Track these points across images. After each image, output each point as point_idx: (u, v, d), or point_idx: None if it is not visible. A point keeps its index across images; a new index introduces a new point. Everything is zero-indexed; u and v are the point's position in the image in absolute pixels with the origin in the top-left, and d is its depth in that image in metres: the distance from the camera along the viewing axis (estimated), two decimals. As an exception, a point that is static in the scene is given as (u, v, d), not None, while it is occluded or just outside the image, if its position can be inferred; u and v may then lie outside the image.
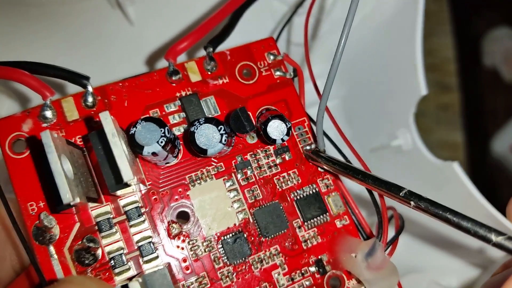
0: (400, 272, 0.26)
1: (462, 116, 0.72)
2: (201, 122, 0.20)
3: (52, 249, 0.19)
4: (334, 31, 0.19)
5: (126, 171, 0.17)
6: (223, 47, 0.22)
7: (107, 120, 0.17)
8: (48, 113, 0.19)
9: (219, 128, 0.19)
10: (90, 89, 0.20)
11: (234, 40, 0.23)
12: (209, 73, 0.22)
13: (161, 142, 0.18)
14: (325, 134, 0.23)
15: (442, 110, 0.75)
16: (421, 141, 0.27)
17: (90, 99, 0.20)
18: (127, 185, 0.18)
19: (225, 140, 0.20)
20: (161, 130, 0.19)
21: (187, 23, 0.26)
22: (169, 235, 0.20)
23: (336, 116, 0.29)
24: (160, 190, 0.20)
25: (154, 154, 0.19)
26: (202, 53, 0.22)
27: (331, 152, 0.23)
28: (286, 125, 0.20)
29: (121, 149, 0.17)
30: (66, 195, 0.17)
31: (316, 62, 0.28)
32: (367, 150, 0.30)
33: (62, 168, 0.16)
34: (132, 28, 0.25)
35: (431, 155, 0.27)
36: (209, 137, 0.20)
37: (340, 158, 0.21)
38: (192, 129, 0.20)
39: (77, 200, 0.17)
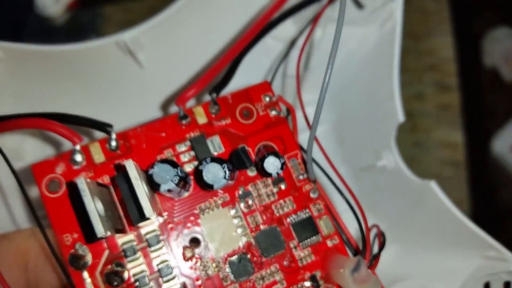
0: (391, 280, 0.31)
1: (462, 116, 0.75)
2: (208, 162, 0.24)
3: (85, 273, 0.23)
4: (323, 63, 0.23)
5: (148, 208, 0.22)
6: (225, 91, 0.27)
7: (131, 167, 0.22)
8: (78, 157, 0.24)
9: (223, 166, 0.24)
10: (113, 135, 0.25)
11: (234, 79, 0.27)
12: (214, 115, 0.26)
13: (175, 180, 0.23)
14: (315, 161, 0.27)
15: (442, 110, 0.79)
16: (402, 162, 0.32)
17: (113, 143, 0.25)
18: (148, 218, 0.23)
19: (228, 176, 0.24)
20: (175, 170, 0.23)
21: (193, 64, 0.31)
22: (184, 258, 0.24)
23: (328, 139, 0.34)
24: (175, 219, 0.25)
25: (169, 190, 0.24)
26: (207, 97, 0.26)
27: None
28: (280, 161, 0.25)
29: (143, 190, 0.22)
30: (99, 230, 0.21)
31: (308, 92, 0.33)
32: (357, 169, 0.35)
33: (96, 209, 0.21)
34: (143, 72, 0.30)
35: (412, 175, 0.32)
36: (215, 174, 0.24)
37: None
38: (200, 167, 0.24)
39: (108, 233, 0.22)
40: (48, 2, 0.81)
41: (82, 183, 0.21)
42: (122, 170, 0.23)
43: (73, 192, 0.22)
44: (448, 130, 0.77)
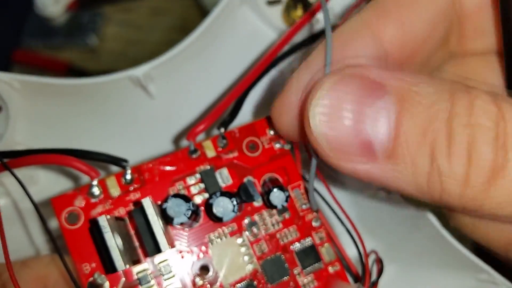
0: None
1: None
2: (217, 196, 0.27)
3: (103, 300, 0.26)
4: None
5: (163, 244, 0.24)
6: (232, 125, 0.29)
7: (148, 205, 0.24)
8: (96, 191, 0.26)
9: (231, 200, 0.27)
10: (128, 170, 0.27)
11: (240, 112, 0.30)
12: (222, 149, 0.29)
13: (187, 214, 0.26)
14: (316, 190, 0.30)
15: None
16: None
17: (128, 177, 0.27)
18: (161, 251, 0.25)
19: (236, 209, 0.27)
20: (187, 205, 0.26)
21: (203, 97, 0.33)
22: (193, 285, 0.27)
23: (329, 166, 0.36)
24: (186, 248, 0.27)
25: (181, 224, 0.26)
26: (215, 131, 0.29)
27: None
28: (285, 194, 0.27)
29: (159, 226, 0.25)
30: (119, 264, 0.24)
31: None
32: (357, 195, 0.38)
33: (116, 244, 0.24)
34: (154, 103, 0.32)
35: (409, 204, 0.34)
36: (224, 207, 0.27)
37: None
38: (210, 201, 0.27)
39: (127, 266, 0.24)
40: (48, 2, 0.83)
41: (103, 220, 0.24)
42: (139, 205, 0.25)
43: (95, 228, 0.25)
44: None
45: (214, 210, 0.26)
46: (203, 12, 0.86)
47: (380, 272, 0.28)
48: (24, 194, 0.25)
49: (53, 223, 0.27)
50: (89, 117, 0.33)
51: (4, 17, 0.83)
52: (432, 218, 0.32)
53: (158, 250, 0.24)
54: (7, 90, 0.31)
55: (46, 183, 0.33)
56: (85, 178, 0.29)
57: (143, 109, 0.32)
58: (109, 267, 0.24)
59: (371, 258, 0.29)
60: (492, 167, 0.19)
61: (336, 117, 0.21)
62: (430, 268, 0.35)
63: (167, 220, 0.25)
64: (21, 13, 0.86)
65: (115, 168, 0.27)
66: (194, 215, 0.26)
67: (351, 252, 0.30)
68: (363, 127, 0.21)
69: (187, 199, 0.25)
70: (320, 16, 0.32)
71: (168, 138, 0.34)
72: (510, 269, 0.32)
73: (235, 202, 0.26)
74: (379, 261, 0.29)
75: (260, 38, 0.34)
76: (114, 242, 0.23)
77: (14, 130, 0.32)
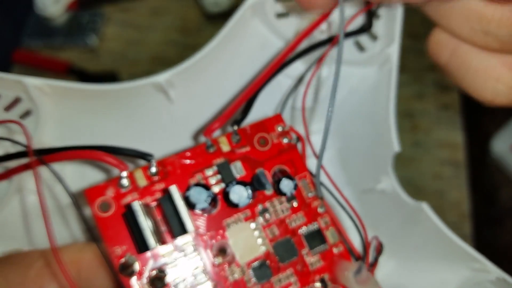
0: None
1: (462, 116, 0.81)
2: (233, 184, 0.32)
3: (133, 278, 0.31)
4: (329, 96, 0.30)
5: (189, 224, 0.30)
6: (244, 123, 0.34)
7: (174, 191, 0.30)
8: (125, 182, 0.31)
9: (246, 188, 0.32)
10: (154, 163, 0.32)
11: (251, 112, 0.35)
12: (235, 144, 0.34)
13: (208, 201, 0.31)
14: (322, 183, 0.35)
15: (442, 110, 0.86)
16: (399, 185, 0.40)
17: (153, 170, 0.32)
18: (186, 232, 0.30)
19: (250, 196, 0.32)
20: (207, 192, 0.31)
21: (217, 99, 0.38)
22: (213, 264, 0.32)
23: (333, 163, 0.41)
24: (206, 232, 0.32)
25: (202, 209, 0.31)
26: (229, 128, 0.34)
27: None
28: (293, 182, 0.33)
29: (184, 209, 0.30)
30: (151, 242, 0.29)
31: (317, 121, 0.41)
32: (360, 191, 0.43)
33: (148, 226, 0.29)
34: (173, 105, 0.37)
35: (407, 197, 0.39)
36: (239, 194, 0.32)
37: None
38: (227, 189, 0.32)
39: (157, 245, 0.29)
40: (48, 2, 0.87)
41: (137, 205, 0.29)
42: (166, 192, 0.30)
43: (129, 212, 0.30)
44: (448, 130, 0.83)
45: (231, 197, 0.31)
46: (203, 12, 0.91)
47: (379, 252, 0.33)
48: (50, 192, 0.30)
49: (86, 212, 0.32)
50: (113, 119, 0.38)
51: (4, 17, 0.87)
52: (428, 210, 0.37)
53: (184, 230, 0.29)
54: (38, 94, 0.36)
55: (72, 178, 0.37)
56: (104, 173, 0.34)
57: (163, 111, 0.38)
58: (141, 246, 0.29)
59: (373, 244, 0.34)
60: None
61: None
62: (428, 260, 0.40)
63: (189, 206, 0.30)
64: (21, 13, 0.90)
65: (141, 162, 0.32)
66: (213, 202, 0.31)
67: (355, 242, 0.35)
68: None
69: (207, 187, 0.30)
70: (323, 26, 0.37)
71: (187, 135, 0.39)
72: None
73: (249, 190, 0.31)
74: (379, 244, 0.33)
75: (269, 47, 0.39)
76: (146, 224, 0.28)
77: (43, 132, 0.37)
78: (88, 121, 0.38)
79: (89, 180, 0.36)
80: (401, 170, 0.74)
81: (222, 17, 0.90)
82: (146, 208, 0.31)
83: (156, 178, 0.32)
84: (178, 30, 0.93)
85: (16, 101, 0.37)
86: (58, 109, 0.37)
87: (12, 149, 0.37)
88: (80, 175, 0.37)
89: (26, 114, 0.38)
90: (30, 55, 0.87)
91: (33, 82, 0.35)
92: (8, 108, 0.37)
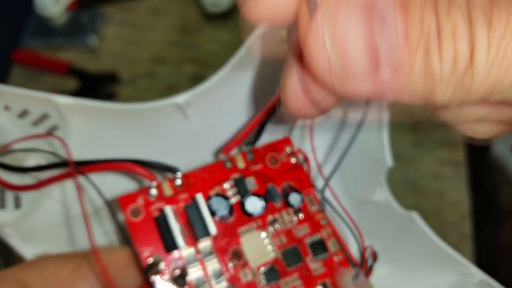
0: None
1: None
2: (248, 195, 0.41)
3: (158, 277, 0.40)
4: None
5: (212, 228, 0.38)
6: (257, 144, 0.43)
7: (200, 199, 0.39)
8: (153, 191, 0.40)
9: (260, 199, 0.41)
10: (179, 175, 0.41)
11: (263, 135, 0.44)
12: (249, 161, 0.43)
13: (226, 209, 0.40)
14: (325, 198, 0.44)
15: (442, 110, 0.94)
16: (391, 197, 0.49)
17: (179, 182, 0.41)
18: (210, 234, 0.39)
19: (263, 207, 0.41)
20: (226, 202, 0.40)
21: (229, 120, 0.47)
22: (227, 266, 0.41)
23: (332, 176, 0.51)
24: (223, 238, 0.41)
25: (221, 217, 0.40)
26: (244, 147, 0.43)
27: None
28: (300, 196, 0.42)
29: (208, 214, 0.39)
30: (180, 241, 0.38)
31: (320, 137, 0.50)
32: (356, 202, 0.52)
33: (178, 228, 0.38)
34: (189, 124, 0.46)
35: (399, 208, 0.48)
36: (254, 205, 0.41)
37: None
38: (243, 200, 0.41)
39: (184, 245, 0.39)
40: (48, 2, 0.95)
41: (168, 209, 0.38)
42: (192, 200, 0.39)
43: (161, 215, 0.39)
44: (448, 130, 0.91)
45: (247, 207, 0.40)
46: (203, 12, 0.99)
47: (374, 259, 0.42)
48: (76, 200, 0.39)
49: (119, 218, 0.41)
50: (133, 135, 0.46)
51: (4, 17, 0.95)
52: (418, 219, 0.46)
53: (207, 233, 0.38)
54: (67, 111, 0.44)
55: (108, 186, 0.46)
56: (135, 182, 0.43)
57: (181, 129, 0.46)
58: (170, 246, 0.38)
59: (368, 252, 0.43)
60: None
61: (345, 33, 0.22)
62: (419, 266, 0.48)
63: (211, 214, 0.39)
64: (21, 13, 0.98)
65: (167, 174, 0.41)
66: (231, 211, 0.40)
67: (352, 250, 0.44)
68: (374, 38, 0.23)
69: (226, 198, 0.40)
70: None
71: (202, 151, 0.48)
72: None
73: (263, 201, 0.40)
74: (374, 253, 0.43)
75: (276, 72, 0.48)
76: (176, 225, 0.37)
77: (68, 147, 0.45)
78: (110, 136, 0.46)
79: (123, 189, 0.45)
80: (401, 170, 0.82)
81: (222, 17, 0.98)
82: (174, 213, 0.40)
83: (180, 189, 0.41)
84: (178, 30, 1.00)
85: (43, 117, 0.46)
86: (83, 125, 0.45)
87: (43, 160, 0.45)
88: (114, 184, 0.46)
89: (53, 129, 0.45)
90: (30, 55, 0.94)
91: (64, 100, 0.43)
92: (36, 123, 0.46)
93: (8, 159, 0.43)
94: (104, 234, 0.46)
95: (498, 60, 0.22)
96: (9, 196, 0.44)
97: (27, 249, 0.44)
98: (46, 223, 0.46)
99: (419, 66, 0.23)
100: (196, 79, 0.93)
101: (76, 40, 0.97)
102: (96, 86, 0.93)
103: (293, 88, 0.28)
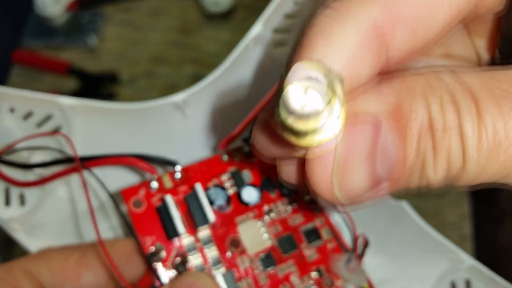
0: (377, 282, 0.50)
1: None
2: (245, 185, 0.44)
3: (160, 264, 0.42)
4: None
5: (211, 215, 0.41)
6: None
7: (199, 188, 0.41)
8: (154, 184, 0.43)
9: (256, 189, 0.44)
10: (178, 168, 0.43)
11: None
12: (245, 155, 0.45)
13: (224, 198, 0.43)
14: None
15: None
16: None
17: (178, 175, 0.43)
18: (209, 222, 0.42)
19: (259, 197, 0.44)
20: (224, 192, 0.42)
21: (225, 117, 0.50)
22: (225, 254, 0.43)
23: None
24: (221, 227, 0.44)
25: (219, 207, 0.43)
26: (239, 142, 0.45)
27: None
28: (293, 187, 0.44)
29: (207, 202, 0.41)
30: (181, 228, 0.40)
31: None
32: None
33: (179, 215, 0.41)
34: (187, 121, 0.49)
35: (390, 197, 0.51)
36: (250, 195, 0.43)
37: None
38: (239, 190, 0.43)
39: (185, 232, 0.41)
40: (48, 2, 0.96)
41: (169, 198, 0.40)
42: (192, 190, 0.42)
43: (162, 205, 0.41)
44: None
45: (243, 196, 0.42)
46: (203, 12, 1.01)
47: (365, 246, 0.44)
48: (81, 196, 0.41)
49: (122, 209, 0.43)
50: (133, 133, 0.49)
51: (4, 17, 0.97)
52: (408, 208, 0.49)
53: (206, 221, 0.41)
54: (71, 112, 0.47)
55: (111, 180, 0.48)
56: (137, 176, 0.46)
57: (179, 127, 0.49)
58: (171, 233, 0.40)
59: (360, 240, 0.46)
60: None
61: (352, 167, 0.25)
62: (411, 254, 0.51)
63: (209, 203, 0.42)
64: (21, 13, 1.00)
65: (167, 168, 0.43)
66: (228, 201, 0.42)
67: (345, 235, 0.47)
68: (375, 167, 0.25)
69: (223, 188, 0.42)
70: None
71: (199, 147, 0.50)
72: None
73: (258, 191, 0.43)
74: (366, 240, 0.45)
75: (270, 72, 0.51)
76: (178, 214, 0.40)
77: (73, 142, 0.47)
78: (111, 136, 0.48)
79: (123, 183, 0.47)
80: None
81: (222, 17, 0.99)
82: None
83: (180, 181, 0.44)
84: (178, 30, 1.01)
85: (47, 118, 0.48)
86: (86, 125, 0.48)
87: (48, 157, 0.47)
88: (115, 179, 0.48)
89: (56, 129, 0.47)
90: (30, 55, 0.96)
91: (67, 102, 0.46)
92: (40, 124, 0.47)
93: (13, 158, 0.45)
94: (110, 228, 0.49)
95: (488, 165, 0.24)
96: (14, 193, 0.47)
97: (32, 243, 0.47)
98: (51, 219, 0.49)
99: (415, 178, 0.25)
100: (196, 79, 0.95)
101: (76, 40, 0.98)
102: (96, 86, 0.94)
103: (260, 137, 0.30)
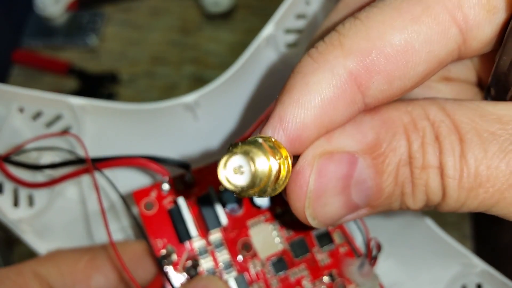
0: (389, 285, 0.50)
1: None
2: (257, 190, 0.44)
3: (171, 267, 0.42)
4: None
5: (224, 218, 0.41)
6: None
7: (212, 191, 0.42)
8: (166, 186, 0.43)
9: (268, 193, 0.44)
10: (190, 171, 0.44)
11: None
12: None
13: (235, 201, 0.43)
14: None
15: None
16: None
17: (190, 176, 0.44)
18: (221, 225, 0.42)
19: (270, 200, 0.44)
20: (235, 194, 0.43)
21: (235, 118, 0.50)
22: (237, 257, 0.44)
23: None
24: (233, 231, 0.44)
25: (231, 209, 0.43)
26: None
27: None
28: (308, 190, 0.45)
29: (220, 206, 0.42)
30: (194, 231, 0.40)
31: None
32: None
33: (191, 218, 0.41)
34: (198, 123, 0.49)
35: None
36: (262, 198, 0.44)
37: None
38: (252, 194, 0.44)
39: (197, 235, 0.41)
40: (48, 2, 0.97)
41: (182, 200, 0.41)
42: (204, 193, 0.42)
43: (174, 207, 0.41)
44: None
45: (255, 200, 0.43)
46: (203, 12, 1.01)
47: (378, 251, 0.45)
48: (90, 198, 0.42)
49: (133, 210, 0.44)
50: (144, 135, 0.49)
51: (4, 17, 0.97)
52: (420, 212, 0.49)
53: (219, 224, 0.41)
54: (81, 112, 0.47)
55: (122, 181, 0.48)
56: (149, 177, 0.46)
57: (190, 128, 0.49)
58: (183, 236, 0.41)
59: (372, 244, 0.46)
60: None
61: (324, 200, 0.28)
62: (423, 258, 0.52)
63: (222, 205, 0.42)
64: (21, 13, 1.00)
65: (179, 170, 0.44)
66: (240, 203, 0.43)
67: (357, 240, 0.47)
68: (351, 198, 0.27)
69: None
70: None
71: (215, 150, 0.50)
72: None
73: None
74: (378, 244, 0.45)
75: (281, 72, 0.51)
76: (191, 217, 0.40)
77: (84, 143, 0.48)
78: (121, 136, 0.49)
79: (135, 183, 0.48)
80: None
81: (222, 17, 0.99)
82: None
83: (191, 183, 0.44)
84: (178, 30, 1.01)
85: (57, 118, 0.48)
86: (96, 125, 0.48)
87: (57, 158, 0.48)
88: (127, 179, 0.49)
89: (66, 130, 0.48)
90: (30, 55, 0.96)
91: (78, 102, 0.46)
92: (49, 124, 0.48)
93: (22, 159, 0.45)
94: (120, 230, 0.49)
95: (468, 201, 0.27)
96: (23, 194, 0.47)
97: (41, 245, 0.47)
98: (60, 220, 0.49)
99: (395, 204, 0.28)
100: (196, 79, 0.96)
101: (76, 40, 0.98)
102: (96, 86, 0.95)
103: None
